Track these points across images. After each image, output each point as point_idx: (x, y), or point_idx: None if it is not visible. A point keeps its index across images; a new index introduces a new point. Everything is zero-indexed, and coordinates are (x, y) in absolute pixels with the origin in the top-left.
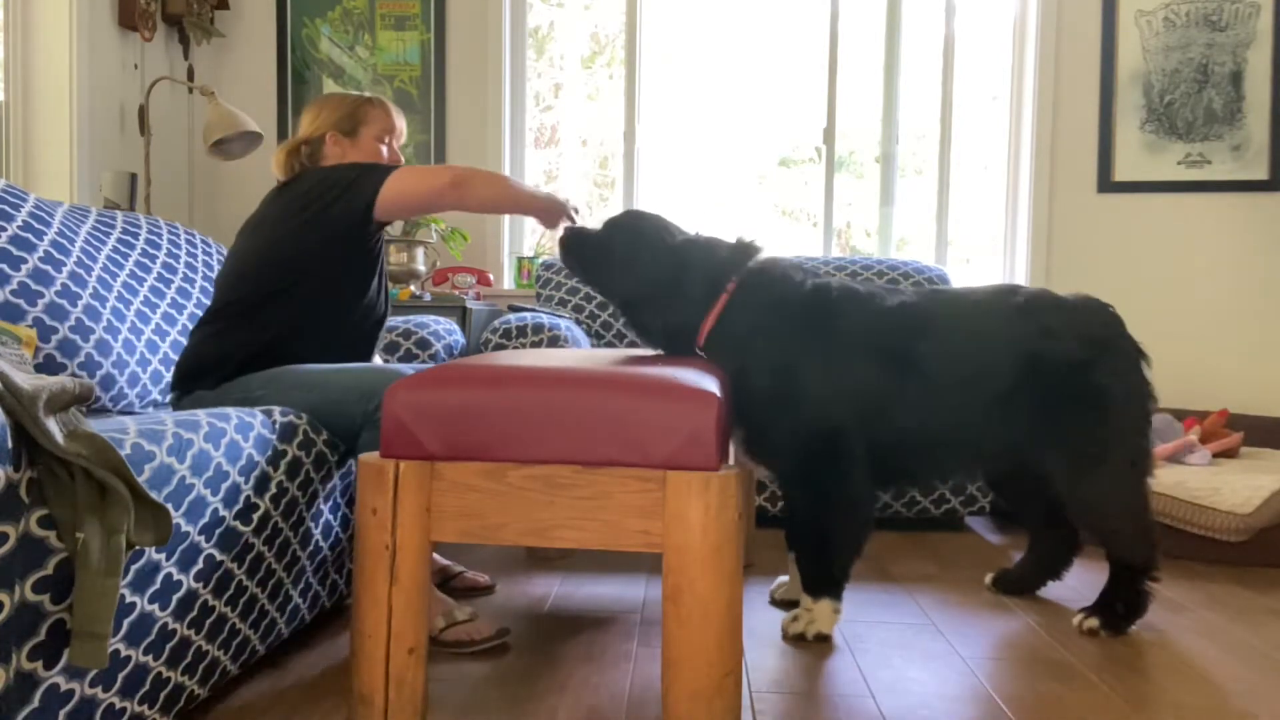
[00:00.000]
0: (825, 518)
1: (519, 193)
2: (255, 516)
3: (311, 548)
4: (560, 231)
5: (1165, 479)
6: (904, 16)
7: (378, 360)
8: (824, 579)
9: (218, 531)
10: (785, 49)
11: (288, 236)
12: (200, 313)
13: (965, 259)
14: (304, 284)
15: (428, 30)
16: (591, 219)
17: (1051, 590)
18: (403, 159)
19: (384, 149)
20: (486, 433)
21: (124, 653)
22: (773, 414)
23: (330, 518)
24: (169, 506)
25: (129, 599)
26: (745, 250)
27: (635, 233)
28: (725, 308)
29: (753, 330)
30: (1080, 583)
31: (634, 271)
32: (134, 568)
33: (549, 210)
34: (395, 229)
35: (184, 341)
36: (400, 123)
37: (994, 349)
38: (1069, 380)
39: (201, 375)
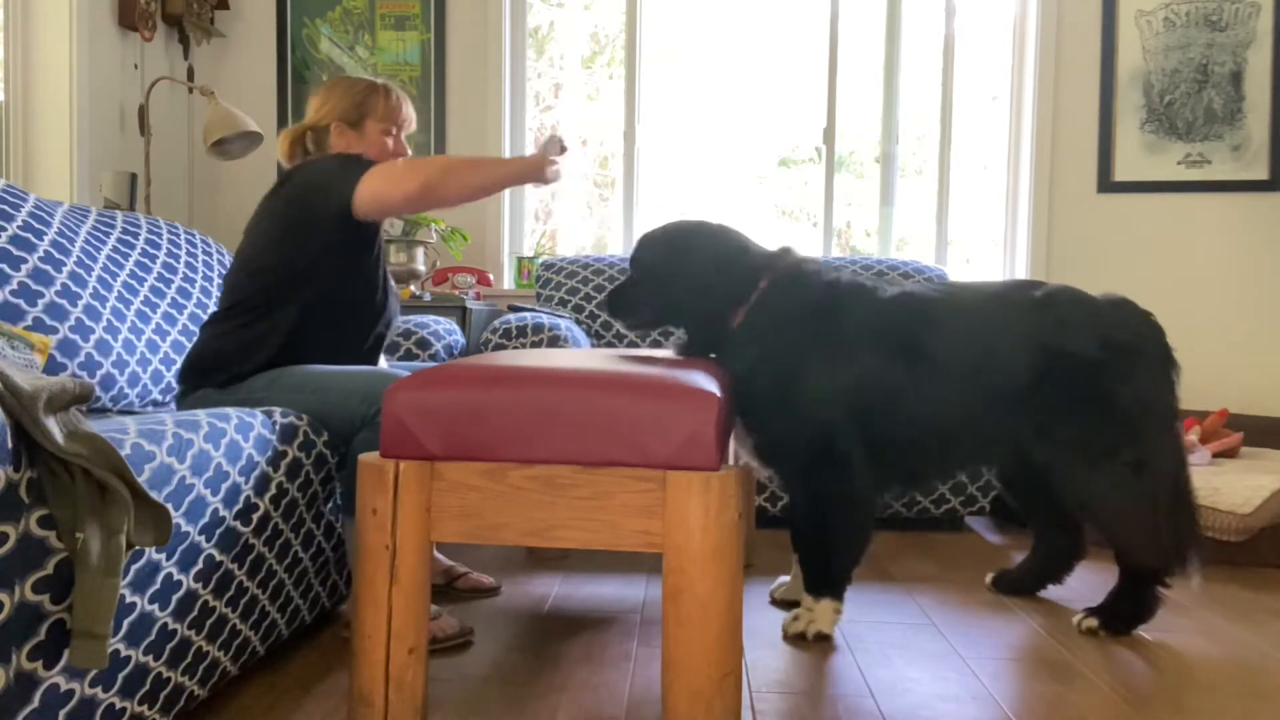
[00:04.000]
0: (829, 517)
1: (497, 173)
2: (255, 517)
3: (312, 548)
4: (557, 176)
5: None
6: (904, 16)
7: (383, 362)
8: (826, 578)
9: (218, 531)
10: (785, 49)
11: (275, 243)
12: (201, 313)
13: (965, 259)
14: (302, 288)
15: (428, 30)
16: (591, 218)
17: (1052, 590)
18: (409, 150)
19: (390, 141)
20: (486, 433)
21: (124, 653)
22: (782, 414)
23: (331, 518)
24: (169, 506)
25: (129, 599)
26: (779, 253)
27: (672, 250)
28: (749, 309)
29: (765, 331)
30: (1082, 584)
31: (677, 284)
32: (134, 568)
33: (531, 172)
34: (395, 229)
35: (185, 342)
36: (408, 111)
37: (1008, 342)
38: (1079, 377)
39: (210, 372)
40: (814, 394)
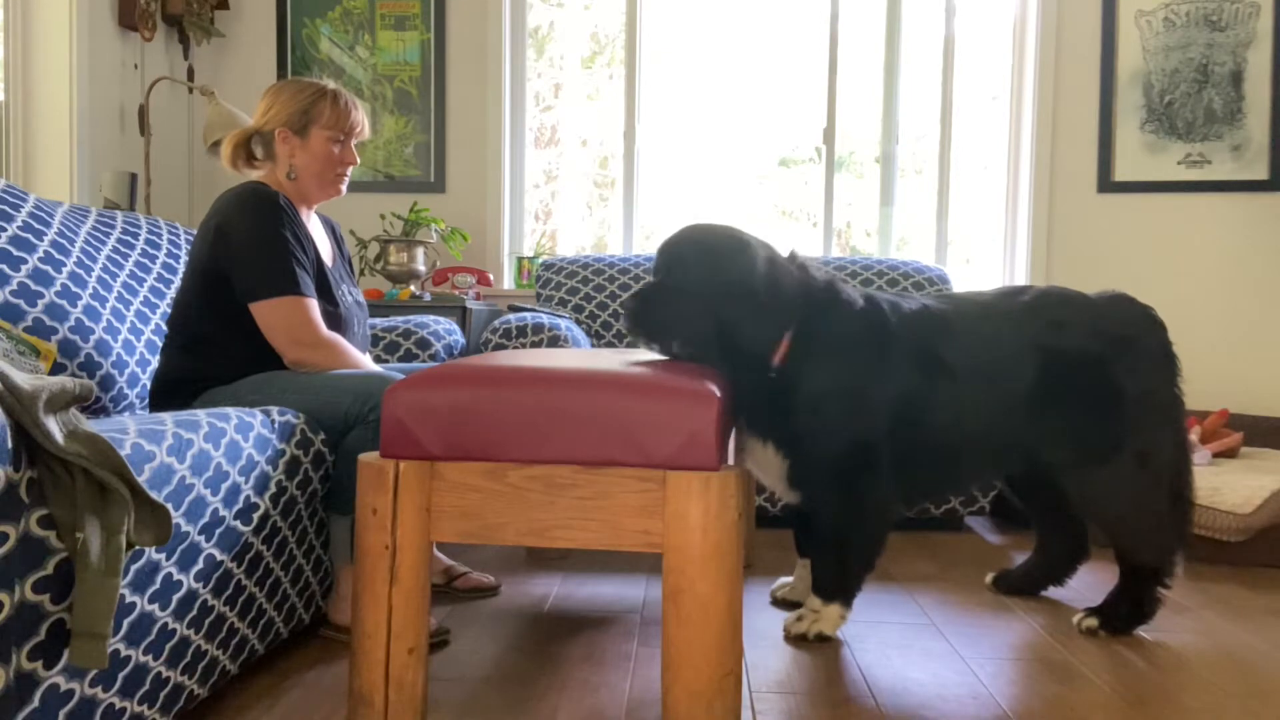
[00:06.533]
0: (859, 529)
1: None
2: (255, 516)
3: (309, 547)
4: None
5: None
6: (904, 16)
7: (368, 359)
8: (842, 585)
9: (218, 531)
10: (785, 49)
11: (199, 295)
12: None
13: (965, 259)
14: (243, 322)
15: (428, 30)
16: (591, 218)
17: (1052, 590)
18: (358, 159)
19: (336, 149)
20: (486, 433)
21: (124, 653)
22: (830, 433)
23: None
24: (169, 506)
25: (129, 599)
26: (807, 276)
27: (714, 257)
28: (793, 342)
29: (817, 355)
30: (1082, 584)
31: (718, 305)
32: (134, 568)
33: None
34: (395, 230)
35: None
36: (358, 118)
37: (1006, 348)
38: (1077, 374)
39: (172, 394)
40: (864, 416)
